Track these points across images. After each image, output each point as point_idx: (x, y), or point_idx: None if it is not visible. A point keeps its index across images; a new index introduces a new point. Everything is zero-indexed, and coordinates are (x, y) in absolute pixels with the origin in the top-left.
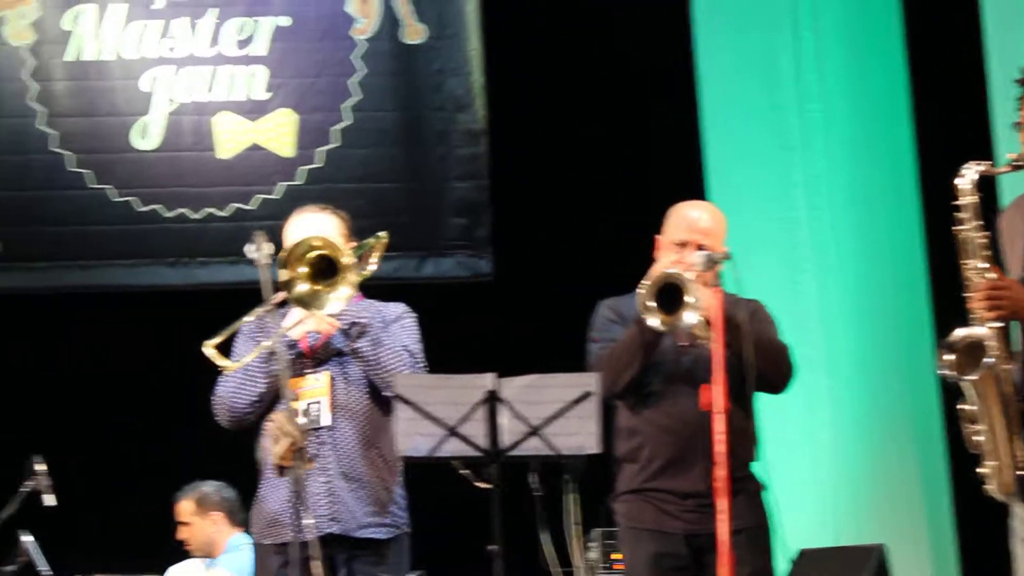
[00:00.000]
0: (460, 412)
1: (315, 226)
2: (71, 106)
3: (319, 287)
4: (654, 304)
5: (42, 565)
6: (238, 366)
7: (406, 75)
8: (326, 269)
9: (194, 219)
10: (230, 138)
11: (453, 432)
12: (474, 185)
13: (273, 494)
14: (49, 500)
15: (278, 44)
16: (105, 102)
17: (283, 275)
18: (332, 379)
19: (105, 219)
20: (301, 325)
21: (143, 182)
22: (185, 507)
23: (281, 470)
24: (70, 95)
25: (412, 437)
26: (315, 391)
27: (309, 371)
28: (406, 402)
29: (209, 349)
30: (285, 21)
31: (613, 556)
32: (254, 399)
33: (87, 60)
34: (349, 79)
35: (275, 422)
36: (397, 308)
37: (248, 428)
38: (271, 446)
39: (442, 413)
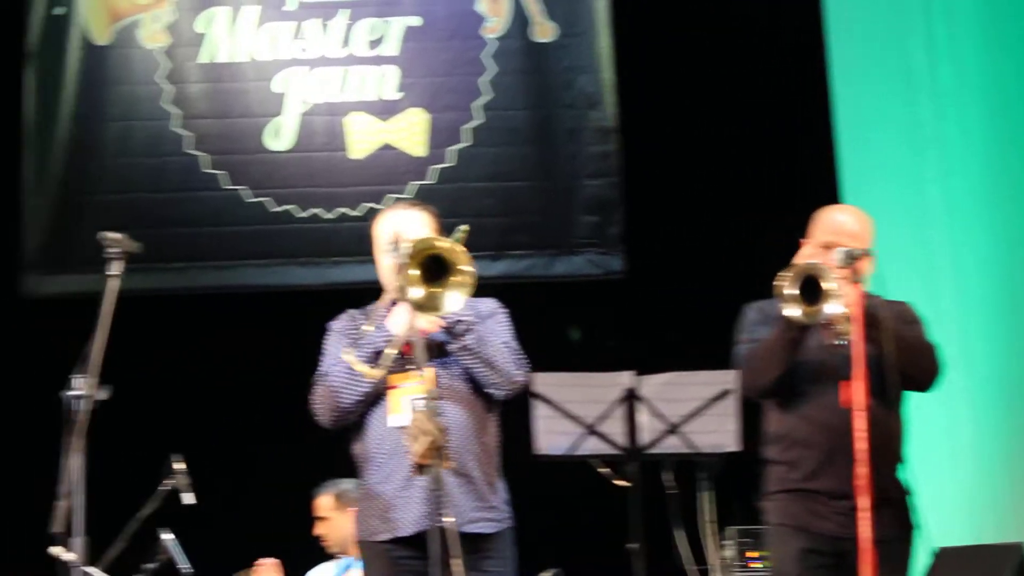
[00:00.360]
0: (598, 410)
1: (408, 223)
2: (205, 108)
3: (435, 288)
4: (795, 293)
5: (182, 563)
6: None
7: (536, 73)
8: (436, 268)
9: (327, 219)
10: (362, 138)
11: (592, 430)
12: (605, 183)
13: (382, 490)
14: (188, 498)
15: (409, 44)
16: (239, 104)
17: (398, 279)
18: (436, 376)
19: (239, 220)
20: (407, 324)
21: (276, 183)
22: (324, 502)
23: (420, 468)
24: (204, 97)
25: (550, 436)
26: (419, 388)
27: (411, 368)
28: (544, 401)
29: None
30: (415, 21)
31: (748, 555)
32: (359, 399)
33: (221, 62)
34: (480, 78)
35: (414, 420)
36: (490, 304)
37: (347, 428)
38: (409, 444)
39: (580, 411)
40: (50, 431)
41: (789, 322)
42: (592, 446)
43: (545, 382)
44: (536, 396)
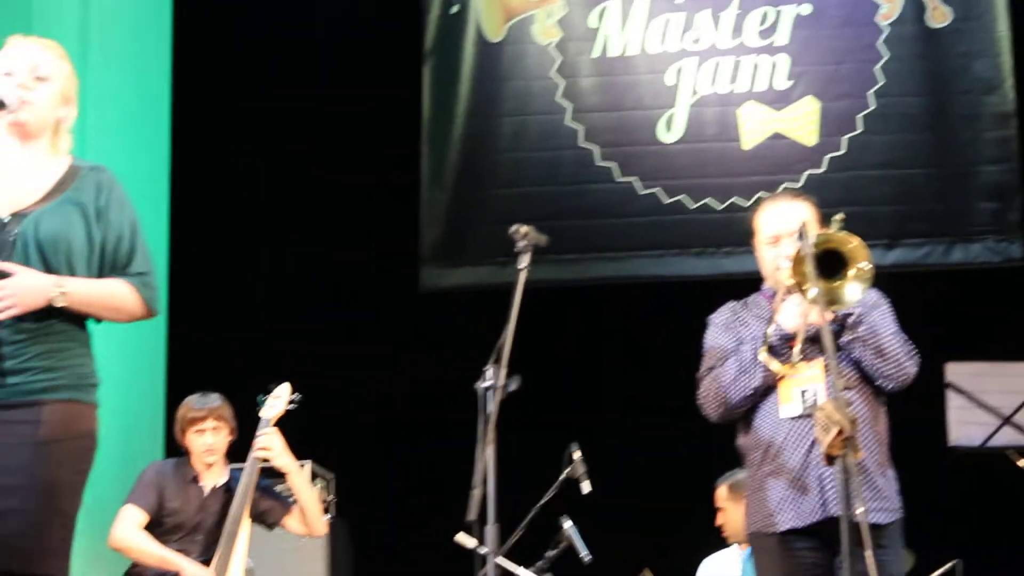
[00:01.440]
0: (1016, 400)
1: (793, 215)
2: (598, 102)
3: (834, 282)
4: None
5: (582, 550)
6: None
7: (931, 59)
8: (831, 261)
9: (719, 209)
10: (753, 128)
11: (1008, 421)
12: (1005, 168)
13: (774, 481)
14: (586, 487)
15: (799, 32)
16: (631, 96)
17: (795, 272)
18: (825, 367)
19: (632, 211)
20: (802, 317)
21: (668, 174)
22: (720, 493)
23: (830, 459)
24: (597, 91)
25: (964, 427)
26: (810, 378)
27: (800, 360)
28: (958, 391)
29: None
30: (806, 9)
31: None
32: (749, 393)
33: (613, 56)
34: (875, 65)
35: (823, 411)
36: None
37: (735, 421)
38: (819, 435)
39: (996, 402)
40: (442, 421)
41: None
42: (1008, 438)
43: (958, 372)
44: (950, 386)
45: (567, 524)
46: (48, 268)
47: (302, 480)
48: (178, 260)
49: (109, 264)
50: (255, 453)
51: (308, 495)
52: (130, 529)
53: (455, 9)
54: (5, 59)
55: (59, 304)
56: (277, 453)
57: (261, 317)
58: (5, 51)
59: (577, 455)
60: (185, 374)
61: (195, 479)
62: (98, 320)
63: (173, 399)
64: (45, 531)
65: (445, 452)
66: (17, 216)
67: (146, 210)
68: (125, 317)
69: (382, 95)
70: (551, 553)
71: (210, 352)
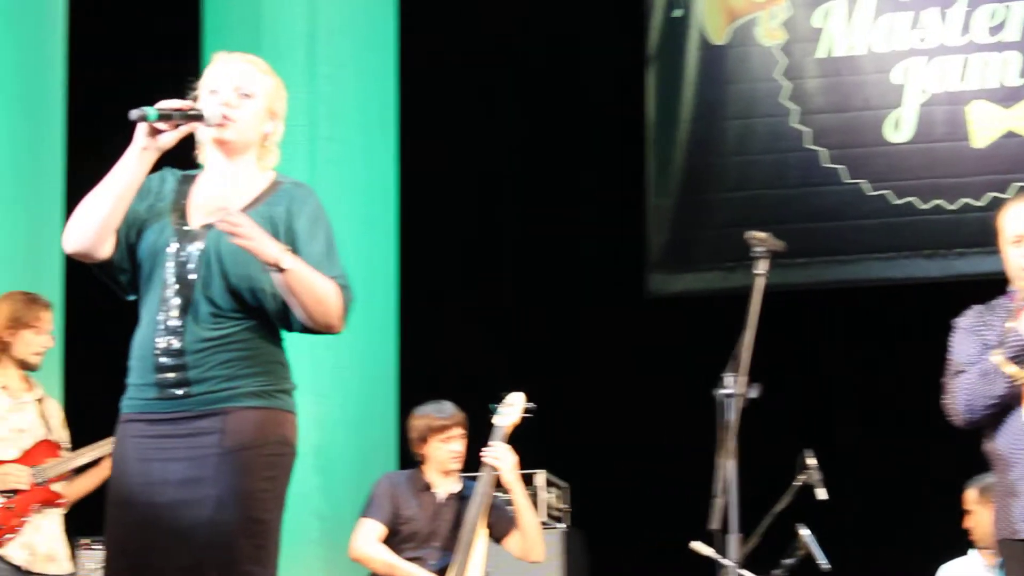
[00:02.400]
0: None
1: None
2: (823, 103)
3: None
4: None
5: (821, 558)
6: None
7: None
8: None
9: (949, 210)
10: (984, 126)
11: None
12: None
13: (1017, 489)
14: (821, 494)
15: None
16: (857, 97)
17: None
18: None
19: (860, 213)
20: None
21: (897, 175)
22: (970, 496)
23: None
24: (822, 92)
25: None
26: None
27: None
28: None
29: (997, 357)
30: None
31: None
32: (994, 400)
33: (838, 56)
34: None
35: None
36: None
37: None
38: None
39: None
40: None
41: None
42: None
43: None
44: None
45: (804, 532)
46: (228, 280)
47: (524, 500)
48: (406, 267)
49: None
50: (488, 461)
51: (529, 517)
52: (368, 542)
53: (678, 13)
54: (210, 76)
55: (284, 265)
56: (507, 468)
57: (487, 325)
58: (210, 68)
59: (812, 461)
60: (414, 383)
61: (428, 487)
62: (293, 326)
63: (404, 409)
64: (239, 541)
65: (679, 459)
66: (207, 228)
67: (375, 216)
68: (322, 315)
69: (606, 101)
70: (788, 561)
71: (438, 361)
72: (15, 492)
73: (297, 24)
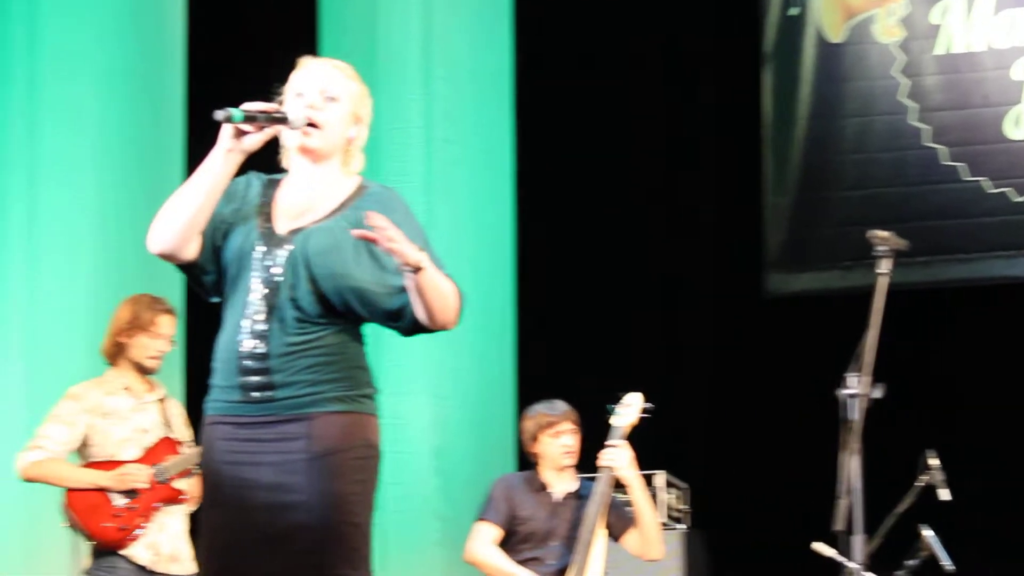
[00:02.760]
0: None
1: None
2: (942, 100)
3: None
4: None
5: (945, 560)
6: None
7: None
8: None
9: None
10: None
11: None
12: None
13: None
14: (943, 495)
15: None
16: (977, 94)
17: None
18: None
19: (981, 211)
20: None
21: (1018, 172)
22: None
23: None
24: (941, 89)
25: None
26: None
27: None
28: None
29: None
30: None
31: None
32: None
33: (957, 52)
34: None
35: None
36: None
37: None
38: None
39: None
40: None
41: None
42: None
43: None
44: None
45: (928, 532)
46: (315, 284)
47: (644, 497)
48: (523, 268)
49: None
50: (604, 462)
51: (648, 514)
52: (484, 545)
53: (794, 11)
54: (296, 80)
55: (423, 265)
56: (623, 464)
57: (604, 325)
58: (296, 73)
59: (934, 462)
60: (531, 384)
61: (544, 487)
62: (403, 326)
63: (521, 411)
64: (334, 545)
65: (799, 460)
66: (293, 233)
67: (492, 217)
68: (444, 314)
69: (722, 99)
70: (911, 562)
71: (555, 361)
72: (137, 492)
73: (412, 25)
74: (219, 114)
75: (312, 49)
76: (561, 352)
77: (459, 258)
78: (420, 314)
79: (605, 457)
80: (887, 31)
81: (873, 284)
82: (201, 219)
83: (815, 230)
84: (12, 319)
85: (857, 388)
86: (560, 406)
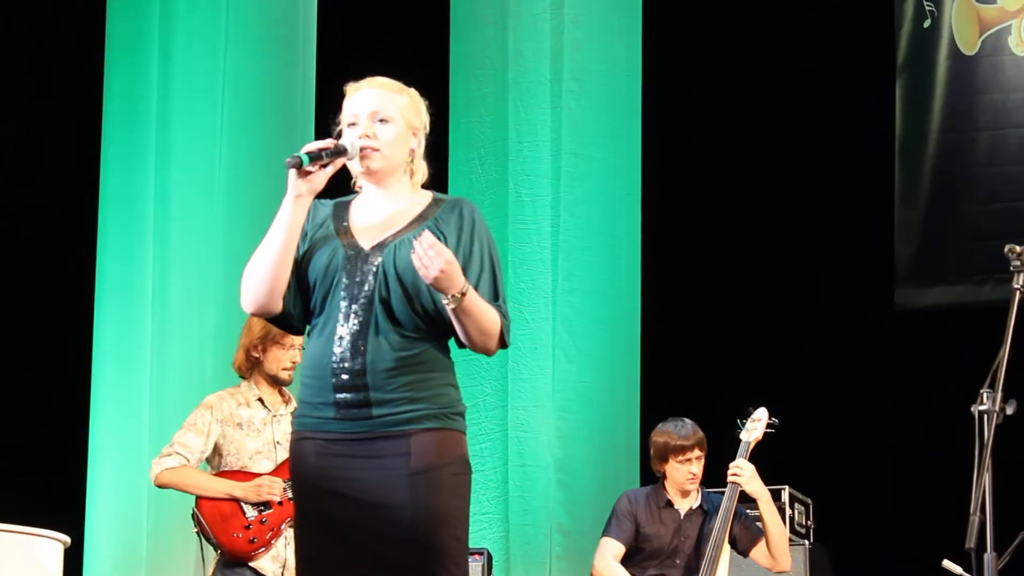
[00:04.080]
0: None
1: None
2: None
3: None
4: None
5: None
6: None
7: None
8: None
9: None
10: None
11: None
12: None
13: None
14: None
15: None
16: None
17: None
18: None
19: None
20: None
21: None
22: None
23: None
24: None
25: None
26: None
27: None
28: None
29: None
30: None
31: None
32: None
33: None
34: None
35: None
36: None
37: None
38: None
39: None
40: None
41: None
42: None
43: None
44: None
45: None
46: (407, 295)
47: (771, 510)
48: (649, 281)
49: None
50: (730, 478)
51: (776, 526)
52: (606, 561)
53: (928, 23)
54: (348, 110)
55: (463, 292)
56: (748, 478)
57: (730, 339)
58: (347, 102)
59: None
60: (656, 398)
61: (670, 504)
62: (460, 343)
63: (646, 425)
64: (438, 561)
65: (925, 476)
66: (378, 247)
67: (620, 231)
68: (482, 343)
69: (854, 111)
70: None
71: (680, 375)
72: (270, 505)
73: (543, 40)
74: (289, 161)
75: (444, 74)
76: (686, 365)
77: (586, 271)
78: (459, 336)
79: (730, 474)
80: (1023, 43)
81: (1006, 299)
82: (286, 272)
83: (946, 244)
84: (143, 331)
85: (990, 404)
86: (689, 428)
